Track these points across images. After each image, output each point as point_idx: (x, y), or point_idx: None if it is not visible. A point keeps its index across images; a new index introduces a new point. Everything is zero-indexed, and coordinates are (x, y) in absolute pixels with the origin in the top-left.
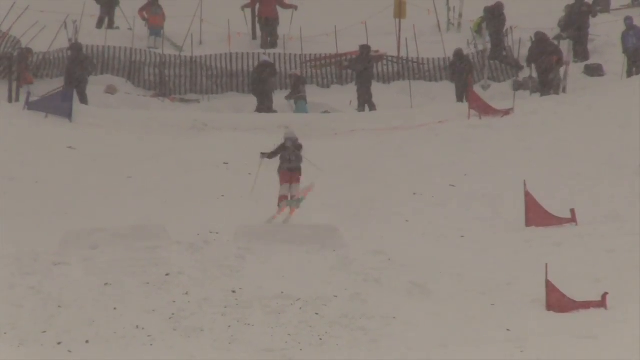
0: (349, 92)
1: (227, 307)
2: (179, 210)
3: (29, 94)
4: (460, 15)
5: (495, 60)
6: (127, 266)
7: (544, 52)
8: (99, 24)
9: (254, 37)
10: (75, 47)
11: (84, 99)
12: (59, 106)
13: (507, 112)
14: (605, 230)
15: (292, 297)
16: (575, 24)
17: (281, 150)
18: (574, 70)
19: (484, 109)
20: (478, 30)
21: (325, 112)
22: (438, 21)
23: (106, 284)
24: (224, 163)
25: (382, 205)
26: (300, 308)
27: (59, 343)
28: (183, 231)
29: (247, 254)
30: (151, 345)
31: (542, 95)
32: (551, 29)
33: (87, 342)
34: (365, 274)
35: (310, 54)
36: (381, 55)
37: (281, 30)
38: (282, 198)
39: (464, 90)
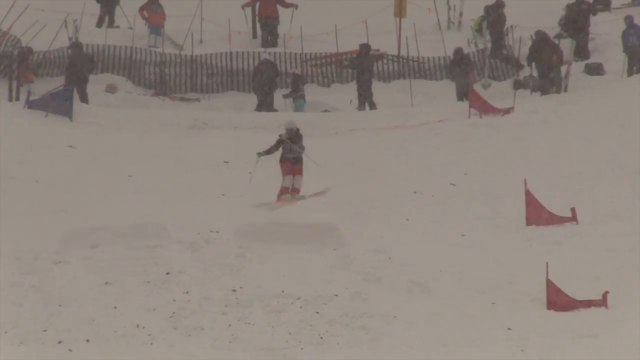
0: (349, 91)
1: (228, 306)
2: (179, 209)
3: (29, 92)
4: (461, 14)
5: (495, 59)
6: (127, 265)
7: (544, 50)
8: (99, 23)
9: (254, 35)
10: (76, 45)
11: (84, 98)
12: (59, 105)
13: (507, 111)
14: (606, 230)
15: (292, 296)
16: (577, 23)
17: (278, 144)
18: (574, 69)
19: (485, 108)
20: (478, 29)
21: (326, 111)
22: (438, 20)
23: (106, 283)
24: (224, 162)
25: (382, 204)
26: (301, 307)
27: (60, 342)
28: (183, 230)
29: (248, 252)
30: (151, 344)
31: (542, 94)
32: (552, 28)
33: (87, 341)
34: (365, 272)
35: (311, 53)
36: (381, 54)
37: (281, 29)
38: (283, 190)
39: (465, 89)
